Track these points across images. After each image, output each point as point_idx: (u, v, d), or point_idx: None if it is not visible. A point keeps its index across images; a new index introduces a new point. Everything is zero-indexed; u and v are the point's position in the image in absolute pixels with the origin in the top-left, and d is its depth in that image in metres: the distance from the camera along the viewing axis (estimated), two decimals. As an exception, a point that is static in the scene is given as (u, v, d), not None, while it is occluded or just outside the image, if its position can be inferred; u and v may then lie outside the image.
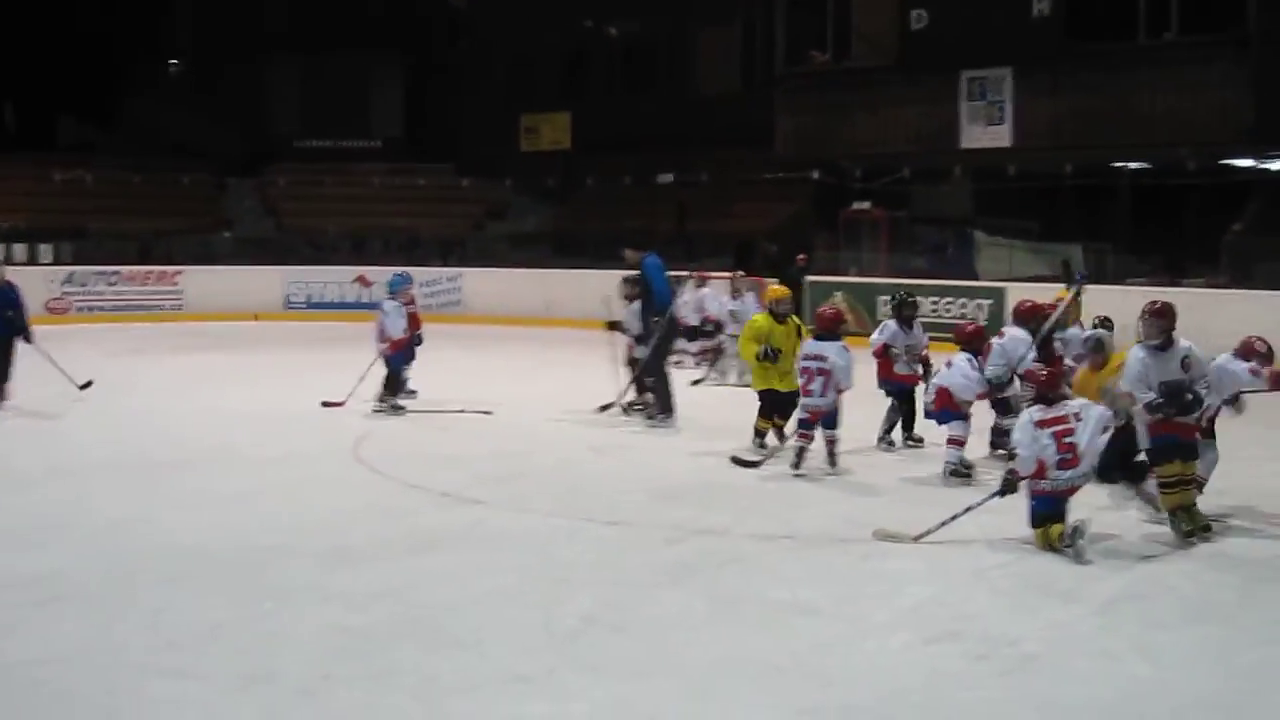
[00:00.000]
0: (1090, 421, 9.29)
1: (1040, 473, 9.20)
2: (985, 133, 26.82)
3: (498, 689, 6.50)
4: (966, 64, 26.68)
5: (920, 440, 13.20)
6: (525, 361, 17.77)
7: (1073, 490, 9.27)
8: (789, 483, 11.68)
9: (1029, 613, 7.83)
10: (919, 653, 7.07)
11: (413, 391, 16.12)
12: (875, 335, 13.65)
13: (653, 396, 14.93)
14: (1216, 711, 6.34)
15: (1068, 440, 9.20)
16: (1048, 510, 9.09)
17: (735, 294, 19.34)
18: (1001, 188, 27.92)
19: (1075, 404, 9.55)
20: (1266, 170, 26.39)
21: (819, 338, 12.38)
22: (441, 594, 8.12)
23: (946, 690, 6.53)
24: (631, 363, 15.58)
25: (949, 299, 24.89)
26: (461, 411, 15.43)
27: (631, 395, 15.22)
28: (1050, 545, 9.00)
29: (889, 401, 13.46)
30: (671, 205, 32.82)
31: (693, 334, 19.56)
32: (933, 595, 8.14)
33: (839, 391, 12.05)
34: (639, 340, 15.25)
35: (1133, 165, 27.63)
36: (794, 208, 30.60)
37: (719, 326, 19.09)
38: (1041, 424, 9.27)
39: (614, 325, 15.92)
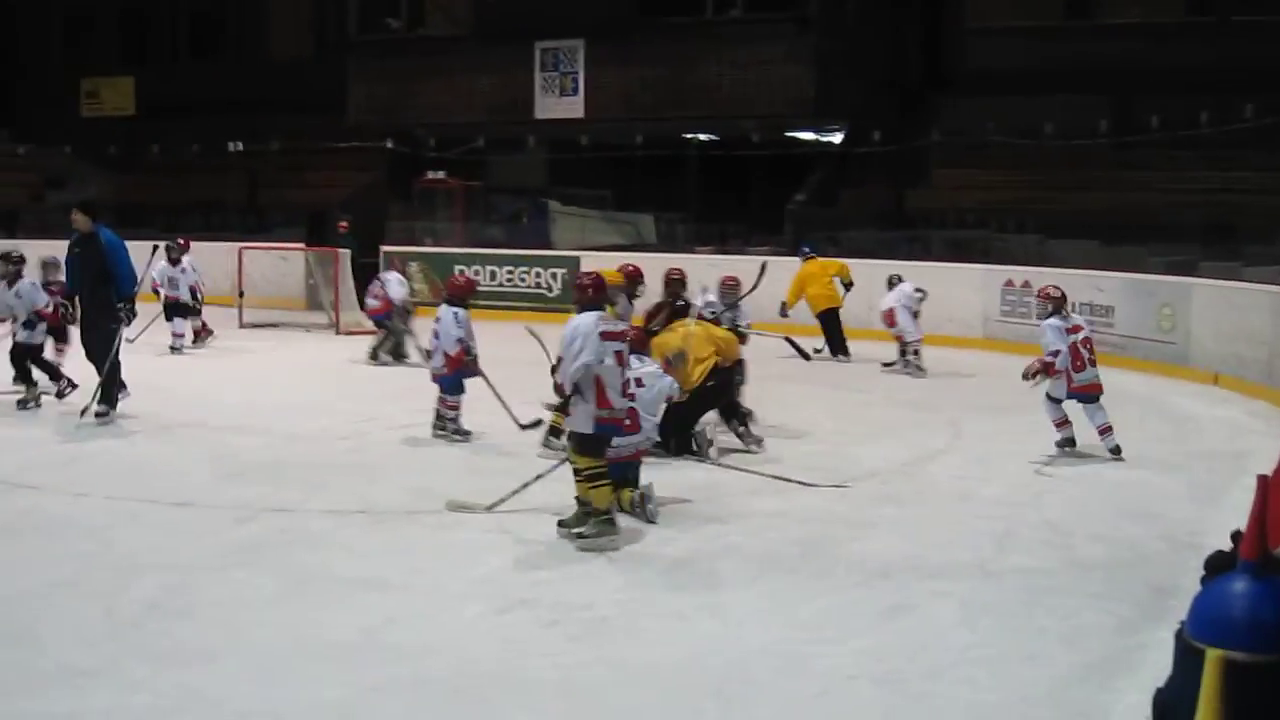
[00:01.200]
0: (653, 390, 9.40)
1: None
2: (559, 103, 27.14)
3: (56, 684, 6.13)
4: (540, 35, 26.92)
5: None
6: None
7: (636, 455, 9.40)
8: (363, 457, 11.53)
9: (600, 577, 7.92)
10: (491, 622, 7.05)
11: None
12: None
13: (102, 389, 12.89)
14: (780, 661, 6.52)
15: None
16: (615, 475, 9.17)
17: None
18: (575, 158, 28.29)
19: (644, 370, 9.70)
20: (826, 143, 27.58)
21: (448, 303, 12.56)
22: (-8, 587, 7.64)
23: (519, 658, 6.52)
24: (19, 353, 13.83)
25: (524, 268, 25.10)
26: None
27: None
28: (622, 509, 9.11)
29: None
30: (242, 174, 31.96)
31: (185, 311, 18.85)
32: (505, 564, 8.14)
33: (446, 356, 12.12)
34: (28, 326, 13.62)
35: (701, 137, 28.42)
36: (368, 177, 30.22)
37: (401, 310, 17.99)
38: None
39: None
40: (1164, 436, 13.31)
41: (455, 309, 12.36)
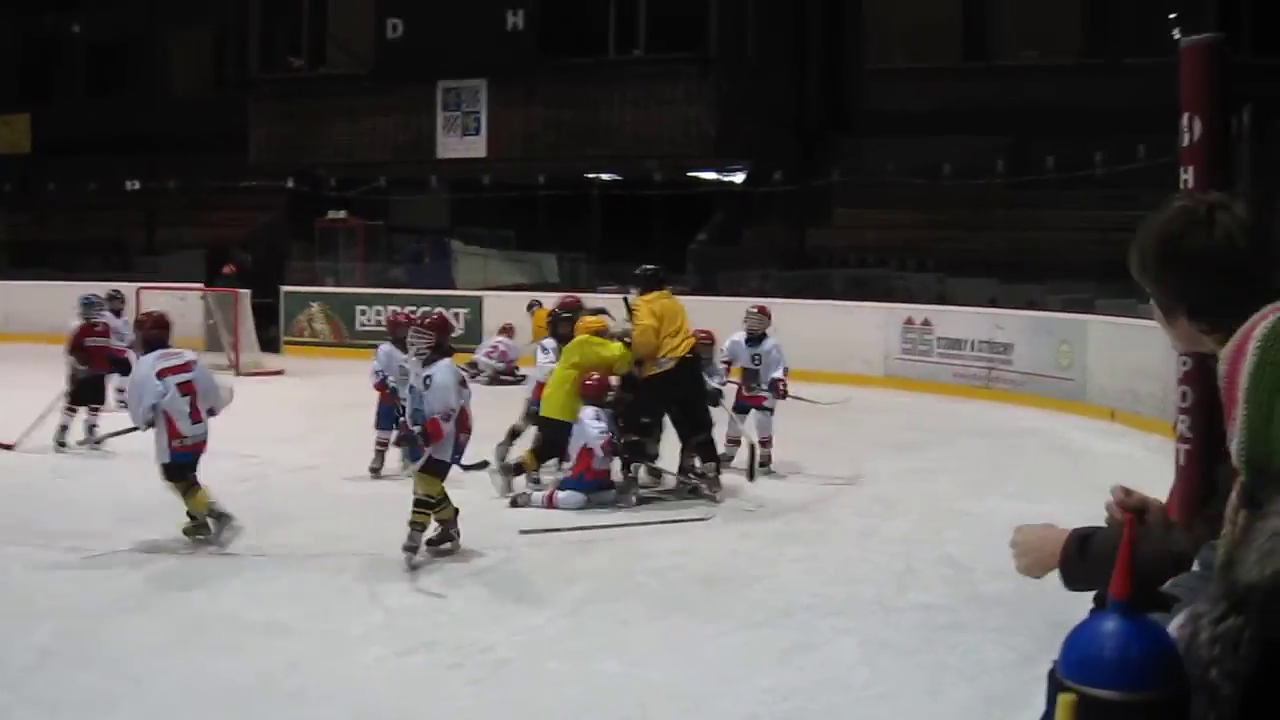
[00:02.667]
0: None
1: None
2: (461, 143, 27.08)
3: (-59, 735, 6.03)
4: (442, 74, 26.85)
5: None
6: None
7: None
8: (263, 499, 11.38)
9: (501, 619, 7.88)
10: (392, 665, 6.99)
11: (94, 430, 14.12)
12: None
13: None
14: (683, 700, 6.53)
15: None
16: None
17: None
18: (478, 198, 28.24)
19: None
20: (727, 182, 27.74)
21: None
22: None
23: (420, 701, 6.48)
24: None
25: (427, 308, 24.95)
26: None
27: None
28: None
29: None
30: (140, 212, 31.59)
31: None
32: (406, 607, 8.09)
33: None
34: None
35: (604, 176, 28.48)
36: (269, 216, 29.98)
37: None
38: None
39: None
40: (1062, 471, 13.46)
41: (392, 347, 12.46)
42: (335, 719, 6.26)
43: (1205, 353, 2.18)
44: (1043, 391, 18.32)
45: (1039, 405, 17.92)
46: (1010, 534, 2.81)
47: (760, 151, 26.47)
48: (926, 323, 20.33)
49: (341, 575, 8.82)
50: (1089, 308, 19.45)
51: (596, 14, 26.01)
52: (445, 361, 9.25)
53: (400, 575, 8.77)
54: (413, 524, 9.01)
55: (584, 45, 26.12)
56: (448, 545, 9.45)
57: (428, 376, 9.03)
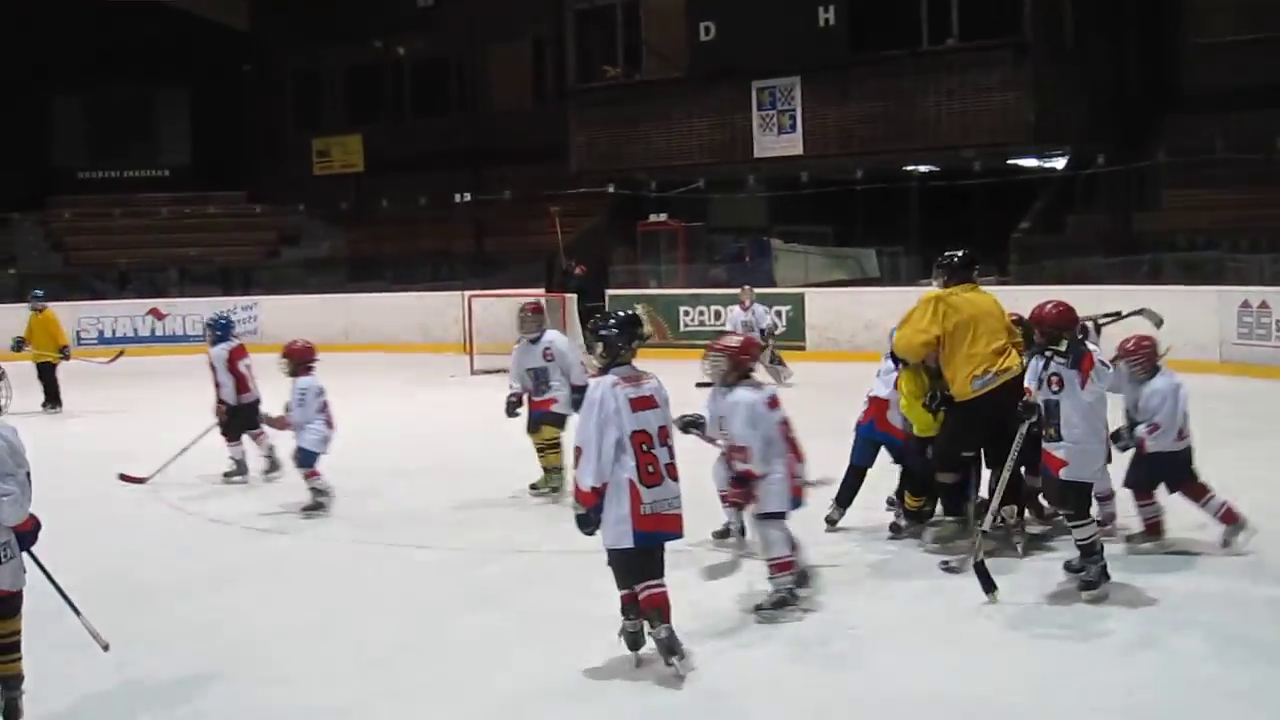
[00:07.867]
0: None
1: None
2: (777, 141, 27.18)
3: (308, 722, 6.38)
4: (756, 74, 27.02)
5: None
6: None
7: None
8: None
9: (838, 613, 7.87)
10: (730, 657, 7.08)
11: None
12: None
13: None
14: (1025, 694, 6.45)
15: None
16: None
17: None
18: (795, 195, 28.32)
19: None
20: (1049, 169, 27.16)
21: None
22: (246, 630, 7.94)
23: (757, 693, 6.55)
24: None
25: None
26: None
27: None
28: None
29: None
30: (468, 224, 32.66)
31: None
32: (736, 592, 8.15)
33: None
34: None
35: (921, 168, 28.21)
36: (592, 222, 30.63)
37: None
38: None
39: None
40: None
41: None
42: (683, 703, 6.41)
43: None
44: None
45: (1391, 388, 17.07)
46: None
47: (1082, 135, 25.85)
48: (1264, 305, 19.50)
49: (674, 571, 8.90)
50: None
51: (908, 5, 25.77)
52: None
53: (728, 568, 8.88)
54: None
55: (897, 37, 25.91)
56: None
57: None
